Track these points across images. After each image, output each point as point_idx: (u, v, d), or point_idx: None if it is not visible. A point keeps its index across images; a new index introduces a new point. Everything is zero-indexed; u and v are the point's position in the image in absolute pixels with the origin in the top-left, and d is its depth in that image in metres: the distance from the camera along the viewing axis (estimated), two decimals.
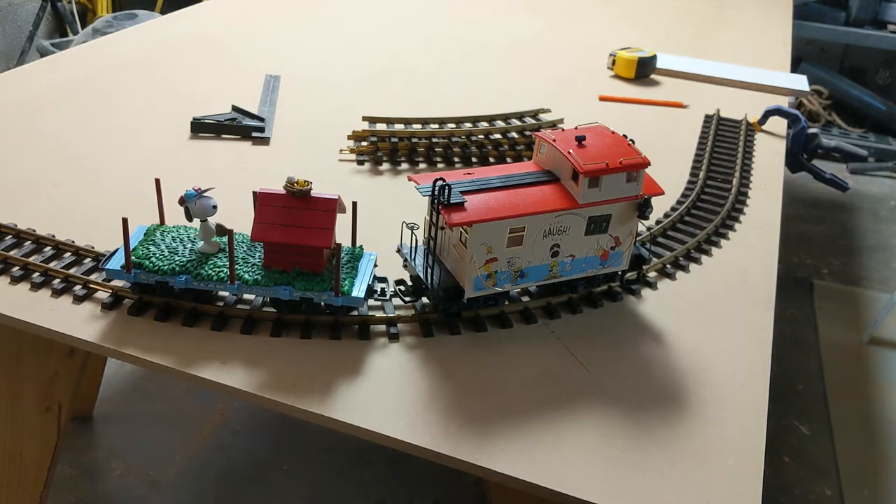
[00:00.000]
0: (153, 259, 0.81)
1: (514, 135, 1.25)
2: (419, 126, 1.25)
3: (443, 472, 0.97)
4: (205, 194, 0.81)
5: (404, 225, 0.85)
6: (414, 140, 1.22)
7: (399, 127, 1.25)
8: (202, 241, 0.84)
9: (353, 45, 1.73)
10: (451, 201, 0.76)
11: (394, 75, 1.56)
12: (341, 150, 1.22)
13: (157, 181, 0.85)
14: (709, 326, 0.88)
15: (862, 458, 1.73)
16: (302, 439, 1.60)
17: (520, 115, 1.32)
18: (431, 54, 1.70)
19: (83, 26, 3.35)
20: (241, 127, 1.26)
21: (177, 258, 0.82)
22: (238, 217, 0.85)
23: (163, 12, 3.13)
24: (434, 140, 1.22)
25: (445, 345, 0.82)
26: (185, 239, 0.86)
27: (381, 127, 1.25)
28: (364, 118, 1.26)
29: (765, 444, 0.71)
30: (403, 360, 0.79)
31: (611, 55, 1.66)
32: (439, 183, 0.76)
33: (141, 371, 1.68)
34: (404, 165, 1.21)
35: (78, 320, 0.81)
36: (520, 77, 1.60)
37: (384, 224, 0.93)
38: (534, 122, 1.30)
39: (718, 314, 0.90)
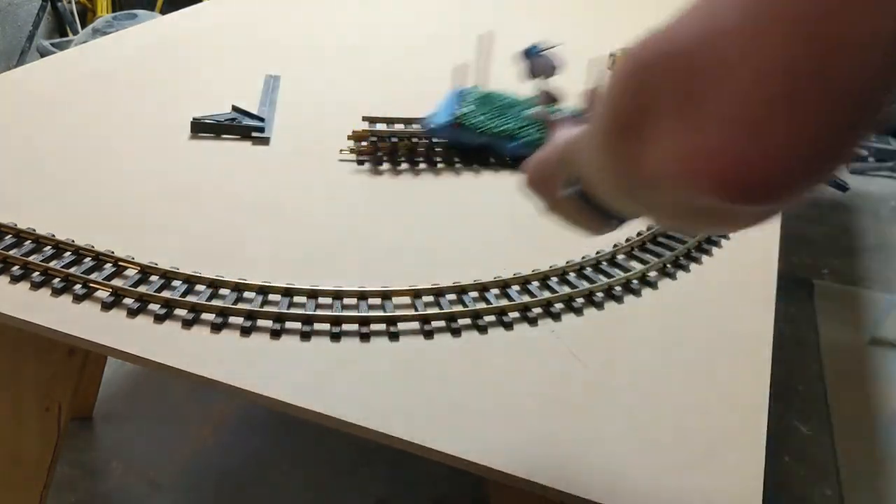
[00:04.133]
0: (479, 119, 0.72)
1: None
2: (419, 126, 1.25)
3: (443, 472, 0.97)
4: (546, 51, 0.71)
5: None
6: (414, 140, 1.22)
7: (399, 127, 1.25)
8: (536, 106, 0.75)
9: (354, 44, 1.73)
10: None
11: (394, 75, 1.56)
12: (341, 150, 1.22)
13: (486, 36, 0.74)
14: (709, 326, 0.88)
15: (862, 458, 1.73)
16: (302, 439, 1.60)
17: None
18: (432, 54, 1.69)
19: (83, 26, 3.35)
20: (241, 127, 1.26)
21: (506, 122, 0.73)
22: (237, 218, 0.85)
23: (163, 12, 3.13)
24: (434, 140, 1.22)
25: (445, 345, 0.82)
26: (509, 104, 0.77)
27: (381, 127, 1.24)
28: (364, 118, 1.26)
29: (765, 443, 0.72)
30: (403, 360, 0.79)
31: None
32: None
33: (141, 371, 1.68)
34: (404, 165, 1.20)
35: (78, 320, 0.81)
36: (519, 77, 1.60)
37: (384, 224, 0.93)
38: None
39: (719, 314, 0.90)
